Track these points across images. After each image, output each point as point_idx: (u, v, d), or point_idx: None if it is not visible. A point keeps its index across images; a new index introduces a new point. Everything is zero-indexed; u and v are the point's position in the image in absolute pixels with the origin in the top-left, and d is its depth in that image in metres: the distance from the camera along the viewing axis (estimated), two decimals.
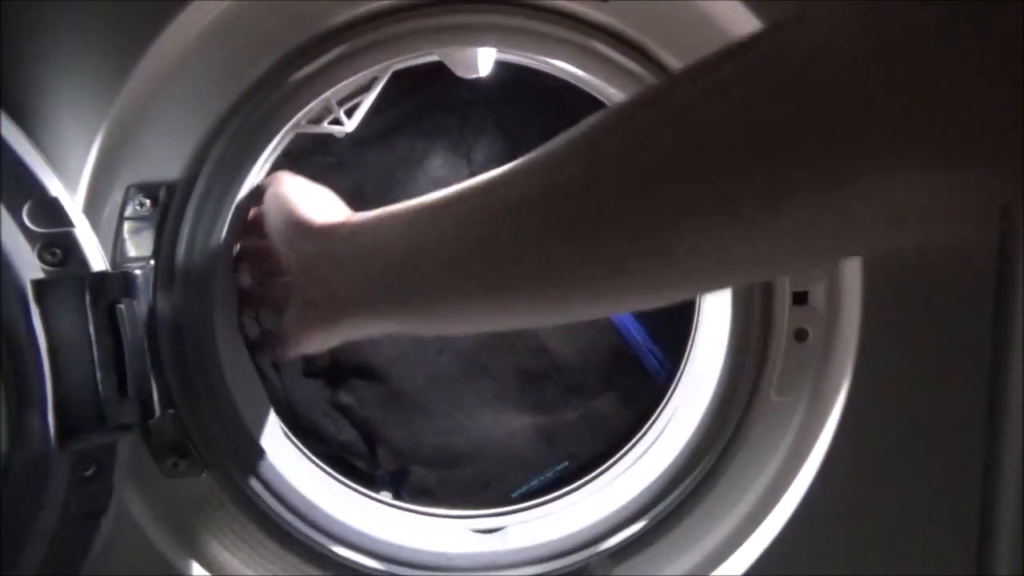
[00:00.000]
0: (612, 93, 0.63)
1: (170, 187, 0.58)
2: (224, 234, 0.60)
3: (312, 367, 0.89)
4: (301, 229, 0.56)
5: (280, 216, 0.58)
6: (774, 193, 0.34)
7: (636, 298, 0.44)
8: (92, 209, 0.56)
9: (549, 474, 0.88)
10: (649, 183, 0.37)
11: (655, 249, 0.38)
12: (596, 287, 0.42)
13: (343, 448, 0.88)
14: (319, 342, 0.56)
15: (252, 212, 0.64)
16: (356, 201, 0.59)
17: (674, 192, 0.37)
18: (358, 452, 0.88)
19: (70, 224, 0.53)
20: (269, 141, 0.60)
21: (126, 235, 0.58)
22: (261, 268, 0.65)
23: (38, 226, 0.52)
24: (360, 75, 0.60)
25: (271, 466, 0.62)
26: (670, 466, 0.65)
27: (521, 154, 0.43)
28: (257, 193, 0.62)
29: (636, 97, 0.41)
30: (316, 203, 0.58)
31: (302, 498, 0.63)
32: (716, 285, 0.52)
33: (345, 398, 0.89)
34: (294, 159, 0.85)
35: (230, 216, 0.59)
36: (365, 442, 0.88)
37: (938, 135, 0.31)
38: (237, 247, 0.64)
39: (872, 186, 0.32)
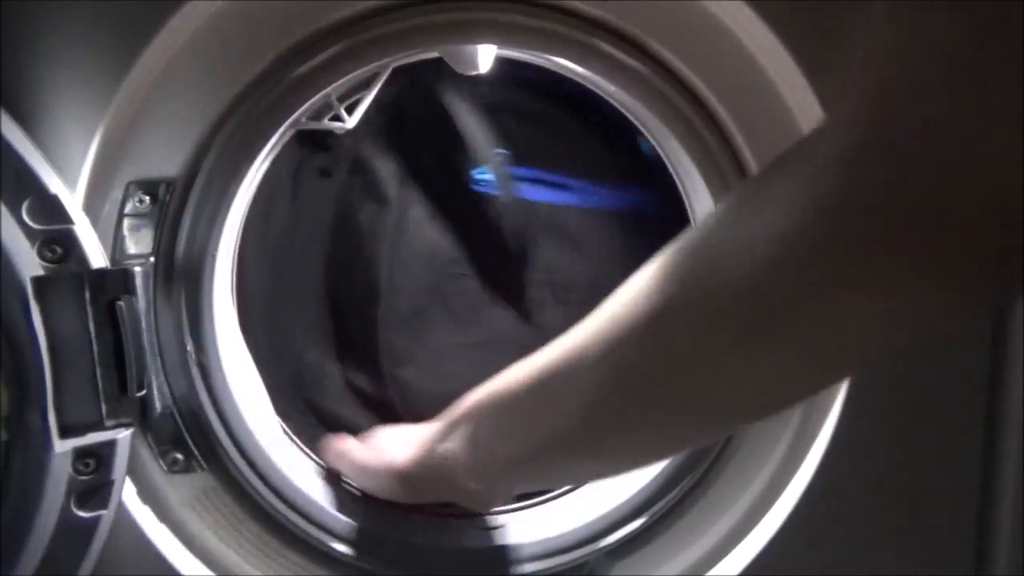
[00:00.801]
0: (612, 90, 0.63)
1: (170, 184, 0.58)
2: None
3: None
4: (393, 481, 0.62)
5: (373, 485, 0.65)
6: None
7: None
8: (92, 206, 0.56)
9: None
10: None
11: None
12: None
13: None
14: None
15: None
16: None
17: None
18: None
19: (70, 221, 0.53)
20: (269, 138, 0.60)
21: (126, 232, 0.58)
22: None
23: (37, 223, 0.52)
24: (360, 72, 0.60)
25: (271, 463, 0.62)
26: (669, 464, 0.65)
27: None
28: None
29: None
30: (393, 446, 0.63)
31: (302, 495, 0.63)
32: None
33: None
34: None
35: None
36: None
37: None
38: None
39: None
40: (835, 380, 0.52)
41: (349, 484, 0.67)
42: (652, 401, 0.45)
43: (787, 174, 0.37)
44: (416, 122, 0.80)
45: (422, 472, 0.60)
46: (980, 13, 0.28)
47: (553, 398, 0.49)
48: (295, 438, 0.69)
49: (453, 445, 0.57)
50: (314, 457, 0.69)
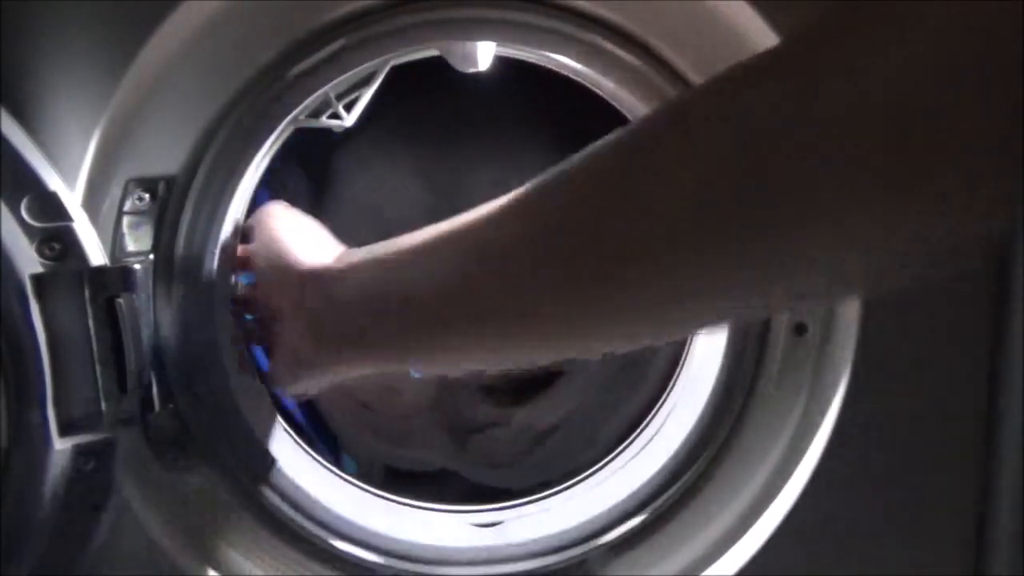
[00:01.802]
0: (612, 88, 0.63)
1: (169, 181, 0.58)
2: (215, 272, 0.60)
3: None
4: (289, 273, 0.57)
5: (268, 259, 0.60)
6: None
7: (613, 340, 0.45)
8: (91, 203, 0.56)
9: None
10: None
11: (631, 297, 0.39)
12: (571, 327, 0.43)
13: None
14: (305, 388, 0.59)
15: (240, 251, 0.63)
16: None
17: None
18: None
19: (69, 218, 0.53)
20: (268, 135, 0.60)
21: (125, 229, 0.58)
22: (254, 308, 0.64)
23: (37, 220, 0.52)
24: (359, 70, 0.60)
25: (270, 460, 0.63)
26: (669, 460, 0.65)
27: None
28: (244, 231, 0.63)
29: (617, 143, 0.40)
30: (304, 243, 0.59)
31: (301, 492, 0.63)
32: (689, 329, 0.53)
33: None
34: None
35: (217, 254, 0.60)
36: None
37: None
38: (233, 281, 0.64)
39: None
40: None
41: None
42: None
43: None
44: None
45: (316, 288, 0.55)
46: None
47: (448, 246, 0.46)
48: (295, 435, 0.69)
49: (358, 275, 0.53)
50: (314, 456, 0.69)
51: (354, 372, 0.55)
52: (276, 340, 0.59)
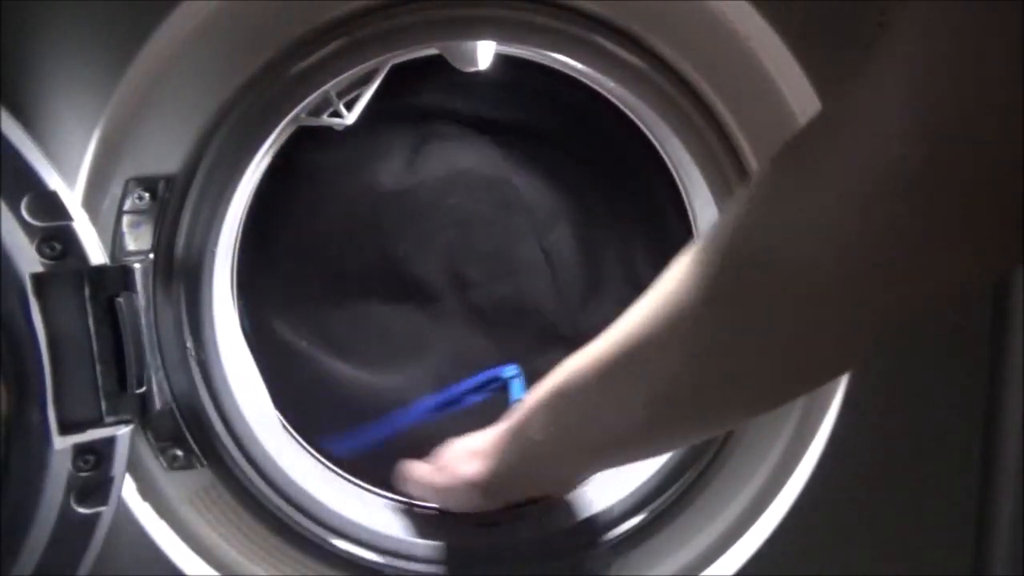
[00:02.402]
0: (612, 87, 0.63)
1: (169, 180, 0.58)
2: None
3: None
4: (476, 494, 0.62)
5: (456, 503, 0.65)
6: None
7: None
8: (91, 203, 0.56)
9: None
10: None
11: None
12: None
13: None
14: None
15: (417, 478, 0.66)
16: None
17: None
18: None
19: (69, 218, 0.53)
20: (268, 134, 0.60)
21: (125, 229, 0.58)
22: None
23: (37, 220, 0.52)
24: (359, 68, 0.60)
25: (270, 459, 0.62)
26: (669, 459, 0.65)
27: None
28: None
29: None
30: (462, 463, 0.63)
31: (301, 491, 0.63)
32: None
33: None
34: None
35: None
36: None
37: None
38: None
39: None
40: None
41: (424, 507, 0.68)
42: (722, 378, 0.45)
43: (833, 153, 0.38)
44: None
45: (503, 476, 0.60)
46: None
47: (617, 394, 0.50)
48: (295, 434, 0.69)
49: (528, 442, 0.57)
50: (314, 454, 0.69)
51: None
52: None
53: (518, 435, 0.58)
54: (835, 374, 0.53)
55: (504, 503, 0.64)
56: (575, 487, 0.66)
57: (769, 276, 0.40)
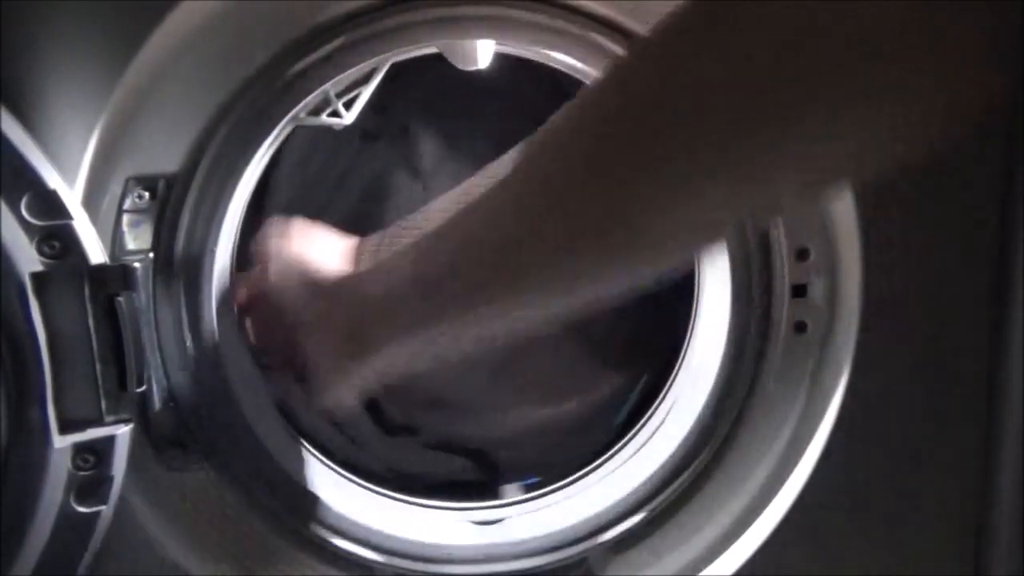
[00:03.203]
0: None
1: (169, 180, 0.58)
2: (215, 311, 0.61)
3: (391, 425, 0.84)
4: (316, 291, 0.56)
5: (289, 285, 0.59)
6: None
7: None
8: (91, 202, 0.56)
9: None
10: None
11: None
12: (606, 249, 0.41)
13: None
14: (345, 397, 0.56)
15: (246, 285, 0.63)
16: None
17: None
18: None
19: (69, 217, 0.52)
20: (268, 133, 0.60)
21: (125, 228, 0.58)
22: (276, 338, 0.62)
23: (36, 219, 0.52)
24: (359, 67, 0.60)
25: (271, 458, 0.63)
26: (669, 457, 0.65)
27: None
28: (256, 250, 0.63)
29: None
30: (323, 254, 0.58)
31: (302, 490, 0.63)
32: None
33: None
34: None
35: (214, 291, 0.60)
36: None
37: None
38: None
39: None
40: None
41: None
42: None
43: None
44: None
45: (347, 289, 0.54)
46: None
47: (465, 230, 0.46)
48: (295, 433, 0.69)
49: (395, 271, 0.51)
50: (315, 453, 0.69)
51: (391, 359, 0.52)
52: (309, 361, 0.57)
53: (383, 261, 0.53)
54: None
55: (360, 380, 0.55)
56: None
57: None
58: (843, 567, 0.61)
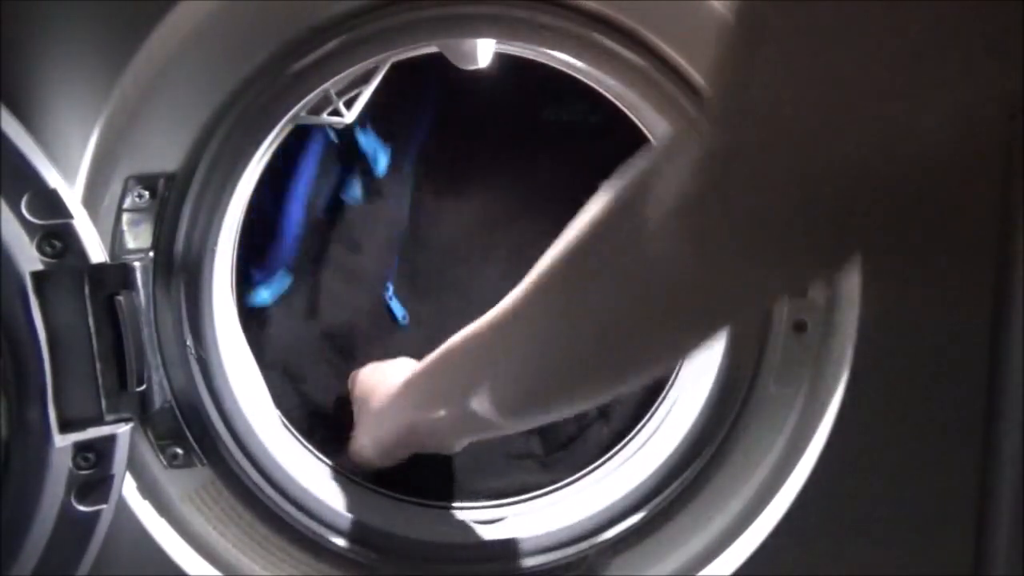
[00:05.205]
0: (612, 84, 0.63)
1: (169, 178, 0.58)
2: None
3: None
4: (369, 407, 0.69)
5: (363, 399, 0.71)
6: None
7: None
8: (91, 201, 0.56)
9: None
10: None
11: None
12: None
13: None
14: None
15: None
16: None
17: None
18: None
19: (69, 216, 0.52)
20: (268, 132, 0.60)
21: (125, 227, 0.58)
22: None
23: (37, 218, 0.52)
24: (359, 66, 0.60)
25: (270, 457, 0.63)
26: (669, 457, 0.65)
27: None
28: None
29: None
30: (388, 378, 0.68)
31: (301, 489, 0.63)
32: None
33: None
34: None
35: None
36: None
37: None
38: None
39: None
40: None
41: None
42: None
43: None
44: None
45: (385, 443, 0.65)
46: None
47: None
48: (295, 431, 0.69)
49: (408, 411, 0.63)
50: (314, 451, 0.69)
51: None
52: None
53: (402, 404, 0.64)
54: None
55: (393, 462, 0.68)
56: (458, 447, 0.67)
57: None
58: (842, 567, 0.61)
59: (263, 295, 0.82)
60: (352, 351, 0.84)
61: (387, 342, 0.85)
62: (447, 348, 0.56)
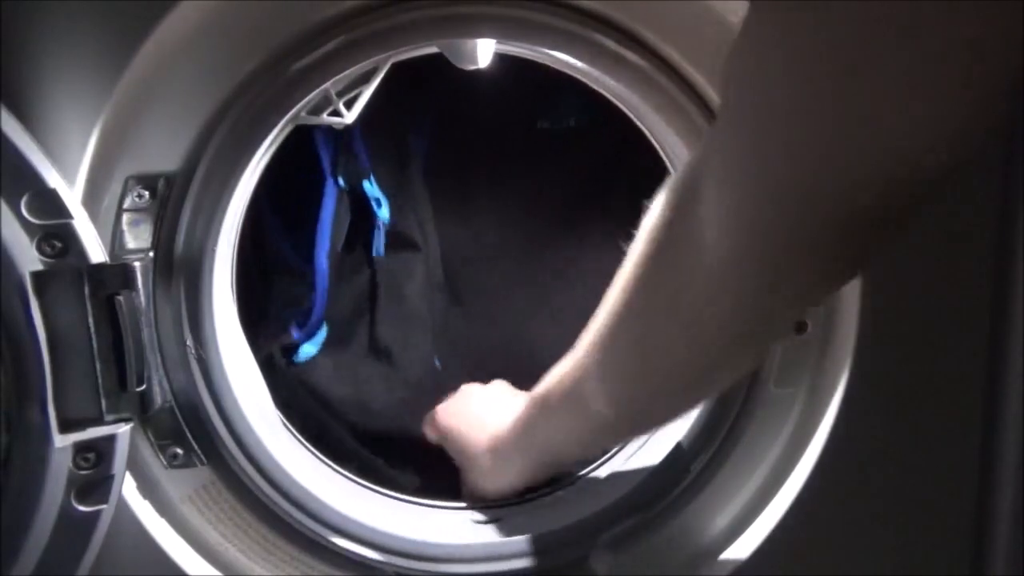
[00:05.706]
0: (612, 84, 0.63)
1: (169, 178, 0.58)
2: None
3: None
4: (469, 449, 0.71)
5: (455, 437, 0.73)
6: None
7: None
8: (91, 201, 0.56)
9: None
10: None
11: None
12: None
13: None
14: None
15: (437, 423, 0.76)
16: None
17: None
18: None
19: (69, 216, 0.52)
20: (268, 132, 0.60)
21: (125, 227, 0.58)
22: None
23: (37, 218, 0.52)
24: (359, 66, 0.60)
25: (270, 457, 0.63)
26: (669, 457, 0.65)
27: None
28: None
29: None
30: (483, 423, 0.70)
31: (301, 488, 0.63)
32: None
33: None
34: None
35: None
36: None
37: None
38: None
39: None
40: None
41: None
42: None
43: None
44: None
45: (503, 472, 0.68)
46: None
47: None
48: (294, 431, 0.69)
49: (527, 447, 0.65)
50: (314, 452, 0.69)
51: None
52: (464, 473, 0.73)
53: (519, 441, 0.65)
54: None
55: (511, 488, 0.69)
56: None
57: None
58: (842, 567, 0.62)
59: (308, 350, 0.85)
60: None
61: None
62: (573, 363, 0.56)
